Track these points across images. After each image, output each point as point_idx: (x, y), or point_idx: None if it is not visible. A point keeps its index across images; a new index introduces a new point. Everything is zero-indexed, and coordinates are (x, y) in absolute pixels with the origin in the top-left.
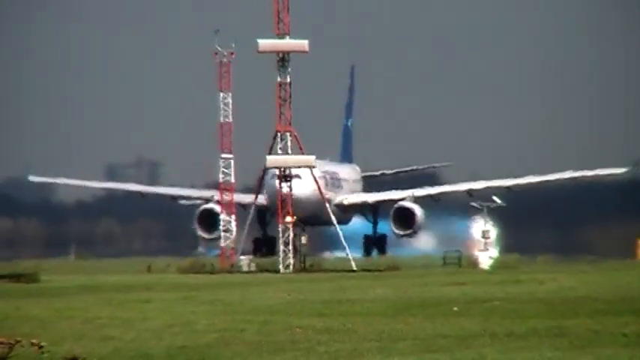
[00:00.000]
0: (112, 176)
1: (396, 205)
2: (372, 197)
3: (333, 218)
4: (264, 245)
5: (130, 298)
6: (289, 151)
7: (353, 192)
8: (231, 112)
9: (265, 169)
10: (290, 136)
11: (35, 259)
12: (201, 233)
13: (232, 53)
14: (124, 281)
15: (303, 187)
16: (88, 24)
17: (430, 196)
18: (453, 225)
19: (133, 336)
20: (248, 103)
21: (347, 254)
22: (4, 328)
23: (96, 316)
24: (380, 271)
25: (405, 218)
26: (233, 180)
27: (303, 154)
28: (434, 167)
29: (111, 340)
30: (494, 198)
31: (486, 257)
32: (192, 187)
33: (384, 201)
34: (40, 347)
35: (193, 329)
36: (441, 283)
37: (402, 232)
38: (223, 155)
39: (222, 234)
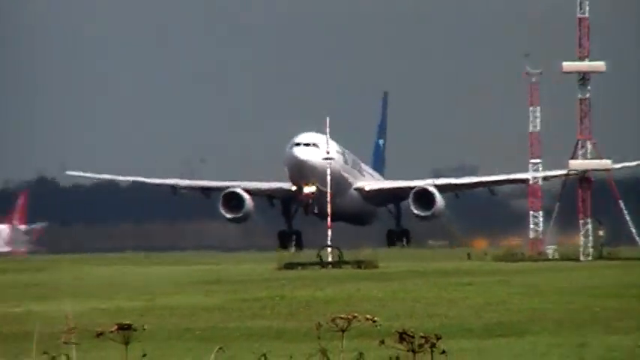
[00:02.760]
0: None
1: (415, 189)
2: (395, 184)
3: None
4: (289, 239)
5: (453, 281)
6: (588, 157)
7: None
8: (539, 124)
9: (568, 173)
10: (590, 143)
11: (374, 249)
12: (224, 213)
13: (540, 73)
14: (448, 267)
15: (318, 154)
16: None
17: (451, 185)
18: None
19: (455, 313)
20: (554, 115)
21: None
22: (349, 306)
23: (424, 297)
24: None
25: (424, 200)
26: (540, 182)
27: (601, 159)
28: None
29: (437, 316)
30: None
31: None
32: None
33: (407, 188)
34: (374, 322)
35: (507, 308)
36: None
37: (421, 214)
38: (532, 160)
39: (532, 226)
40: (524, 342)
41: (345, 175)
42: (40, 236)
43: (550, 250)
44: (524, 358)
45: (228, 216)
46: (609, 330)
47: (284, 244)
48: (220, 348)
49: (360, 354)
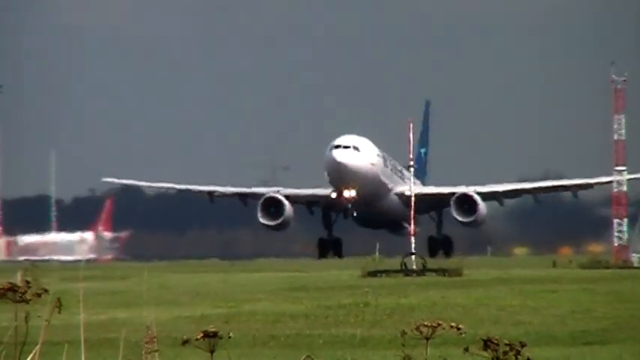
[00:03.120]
0: None
1: (457, 194)
2: (436, 190)
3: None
4: (330, 248)
5: (537, 289)
6: None
7: None
8: (624, 131)
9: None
10: None
11: (459, 257)
12: (263, 220)
13: (625, 80)
14: (533, 275)
15: (358, 157)
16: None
17: (494, 193)
18: None
19: (540, 321)
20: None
21: None
22: (433, 313)
23: (509, 304)
24: None
25: (467, 206)
26: (624, 189)
27: None
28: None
29: (522, 324)
30: None
31: None
32: None
33: (448, 194)
34: (458, 329)
35: (592, 316)
36: None
37: (463, 220)
38: (617, 168)
39: (615, 233)
40: (609, 350)
41: (385, 179)
42: (124, 244)
43: (635, 257)
44: None
45: (267, 223)
46: None
47: (324, 253)
48: (308, 356)
49: None
